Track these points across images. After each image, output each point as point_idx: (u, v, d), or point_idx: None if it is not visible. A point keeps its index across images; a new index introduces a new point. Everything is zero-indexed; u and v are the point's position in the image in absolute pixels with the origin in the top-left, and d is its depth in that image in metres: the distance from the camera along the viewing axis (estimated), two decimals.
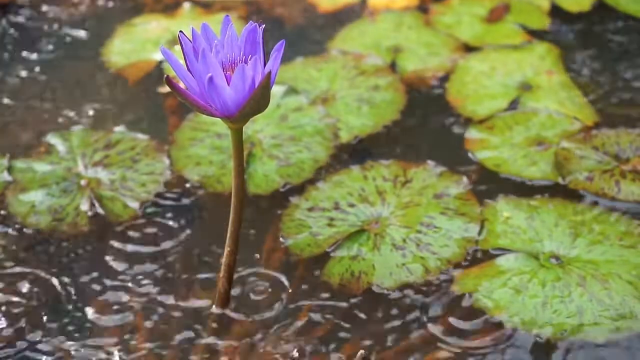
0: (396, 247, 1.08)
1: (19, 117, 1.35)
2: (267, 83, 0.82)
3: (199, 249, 1.11)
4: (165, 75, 0.83)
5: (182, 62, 0.84)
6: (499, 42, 1.46)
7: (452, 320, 1.01)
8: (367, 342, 0.99)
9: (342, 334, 1.00)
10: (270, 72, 0.82)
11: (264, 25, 0.85)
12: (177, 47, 1.43)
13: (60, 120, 1.34)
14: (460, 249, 1.08)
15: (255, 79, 0.83)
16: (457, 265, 1.06)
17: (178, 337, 1.00)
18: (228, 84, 0.82)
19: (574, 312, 0.99)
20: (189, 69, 0.84)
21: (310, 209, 1.14)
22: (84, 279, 1.07)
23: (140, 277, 1.08)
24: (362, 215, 1.12)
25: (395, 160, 1.21)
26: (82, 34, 1.57)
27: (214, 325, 1.01)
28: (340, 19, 1.58)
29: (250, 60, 0.83)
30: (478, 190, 1.16)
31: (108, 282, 1.07)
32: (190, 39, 0.85)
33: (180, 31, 0.85)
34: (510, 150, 1.23)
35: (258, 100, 0.83)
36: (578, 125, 1.26)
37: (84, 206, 1.15)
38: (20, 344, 0.99)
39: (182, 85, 0.86)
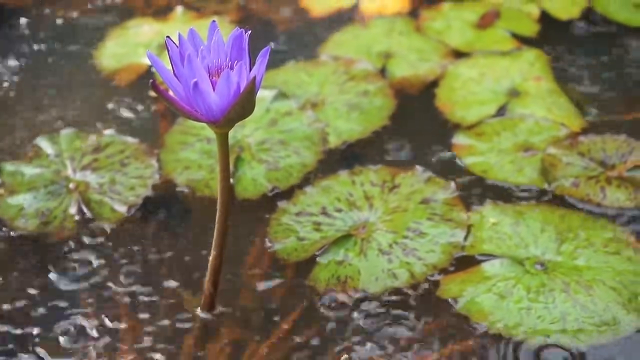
0: (382, 252, 1.08)
1: (9, 120, 1.36)
2: (252, 88, 0.83)
3: (185, 253, 1.12)
4: (150, 80, 0.83)
5: (169, 66, 0.85)
6: (489, 48, 1.47)
7: (436, 325, 1.01)
8: (351, 348, 0.99)
9: (327, 339, 1.00)
10: (255, 78, 0.82)
11: (251, 29, 0.86)
12: None
13: (49, 123, 1.34)
14: (446, 255, 1.08)
15: (241, 84, 0.83)
16: (443, 271, 1.07)
17: (164, 342, 1.01)
18: (213, 89, 0.83)
19: (557, 318, 0.99)
20: (175, 74, 0.85)
21: (298, 214, 1.15)
22: (70, 281, 1.08)
23: (127, 280, 1.08)
24: (350, 220, 1.13)
25: (383, 166, 1.22)
26: (74, 37, 1.57)
27: (200, 329, 1.02)
28: (333, 24, 1.58)
29: (235, 65, 0.83)
30: (465, 195, 1.17)
31: (94, 285, 1.07)
32: (177, 44, 0.85)
33: (167, 36, 0.86)
34: (497, 156, 1.23)
35: (243, 105, 0.84)
36: (565, 132, 1.26)
37: (72, 209, 1.15)
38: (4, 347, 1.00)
39: (169, 90, 0.86)
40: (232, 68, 0.85)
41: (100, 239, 1.13)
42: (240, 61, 0.84)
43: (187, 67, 0.82)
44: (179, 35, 0.85)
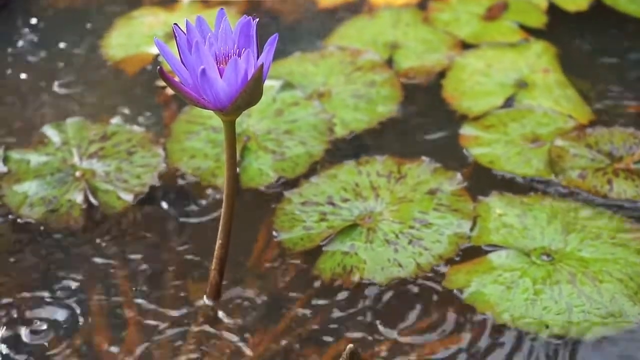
0: (388, 242, 1.08)
1: (15, 108, 1.36)
2: (259, 76, 0.82)
3: (191, 241, 1.12)
4: (158, 68, 0.83)
5: (176, 54, 0.85)
6: (496, 40, 1.46)
7: (442, 315, 1.01)
8: (358, 337, 0.99)
9: (333, 328, 1.00)
10: (262, 65, 0.82)
11: (259, 19, 0.86)
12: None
13: (56, 111, 1.34)
14: (452, 245, 1.08)
15: (248, 72, 0.83)
16: (449, 261, 1.07)
17: (169, 329, 1.01)
18: (221, 77, 0.83)
19: (563, 309, 0.99)
20: (182, 62, 0.84)
21: (304, 203, 1.15)
22: (77, 270, 1.08)
23: (132, 268, 1.08)
24: (356, 210, 1.13)
25: (389, 156, 1.21)
26: (80, 26, 1.57)
27: (206, 317, 1.02)
28: (340, 15, 1.58)
29: (243, 53, 0.83)
30: (471, 186, 1.16)
31: (99, 274, 1.07)
32: (185, 31, 0.85)
33: (175, 24, 0.85)
34: (504, 147, 1.23)
35: (250, 93, 0.84)
36: (572, 124, 1.26)
37: (78, 197, 1.15)
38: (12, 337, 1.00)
39: (176, 78, 0.86)
40: (239, 55, 0.84)
41: (106, 227, 1.13)
42: (247, 49, 0.84)
43: (194, 55, 0.82)
44: (187, 22, 0.85)
